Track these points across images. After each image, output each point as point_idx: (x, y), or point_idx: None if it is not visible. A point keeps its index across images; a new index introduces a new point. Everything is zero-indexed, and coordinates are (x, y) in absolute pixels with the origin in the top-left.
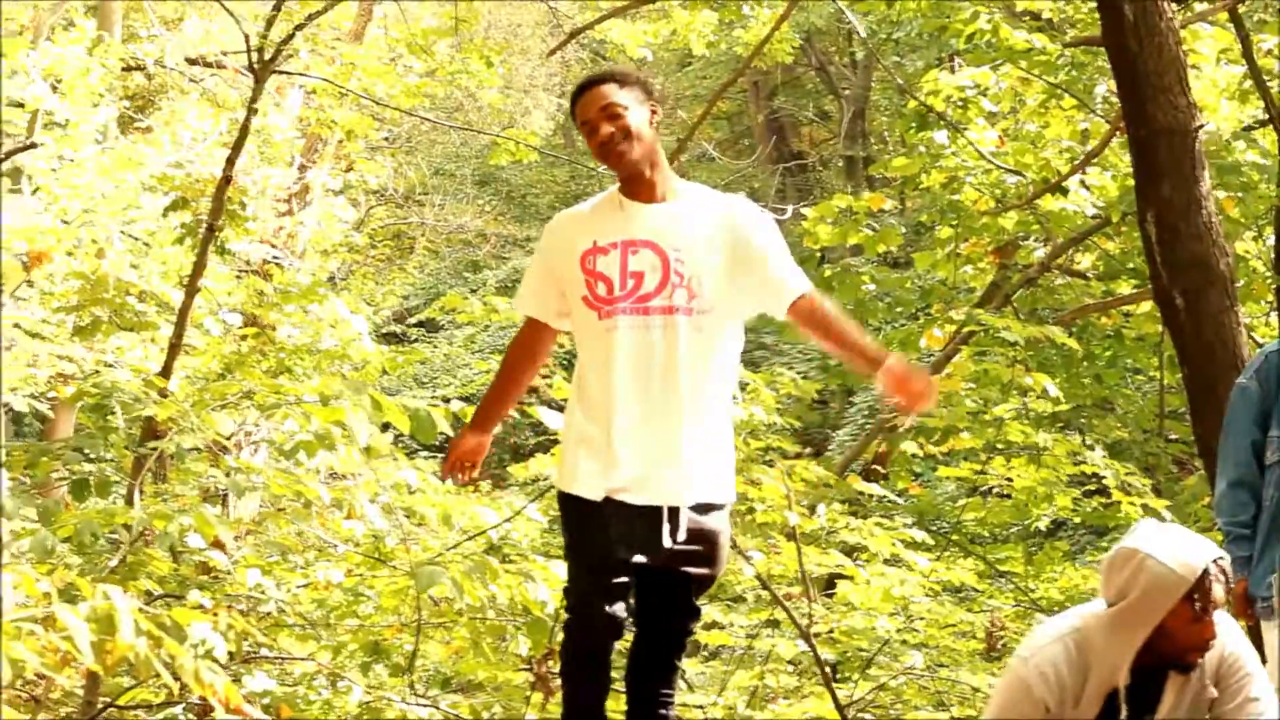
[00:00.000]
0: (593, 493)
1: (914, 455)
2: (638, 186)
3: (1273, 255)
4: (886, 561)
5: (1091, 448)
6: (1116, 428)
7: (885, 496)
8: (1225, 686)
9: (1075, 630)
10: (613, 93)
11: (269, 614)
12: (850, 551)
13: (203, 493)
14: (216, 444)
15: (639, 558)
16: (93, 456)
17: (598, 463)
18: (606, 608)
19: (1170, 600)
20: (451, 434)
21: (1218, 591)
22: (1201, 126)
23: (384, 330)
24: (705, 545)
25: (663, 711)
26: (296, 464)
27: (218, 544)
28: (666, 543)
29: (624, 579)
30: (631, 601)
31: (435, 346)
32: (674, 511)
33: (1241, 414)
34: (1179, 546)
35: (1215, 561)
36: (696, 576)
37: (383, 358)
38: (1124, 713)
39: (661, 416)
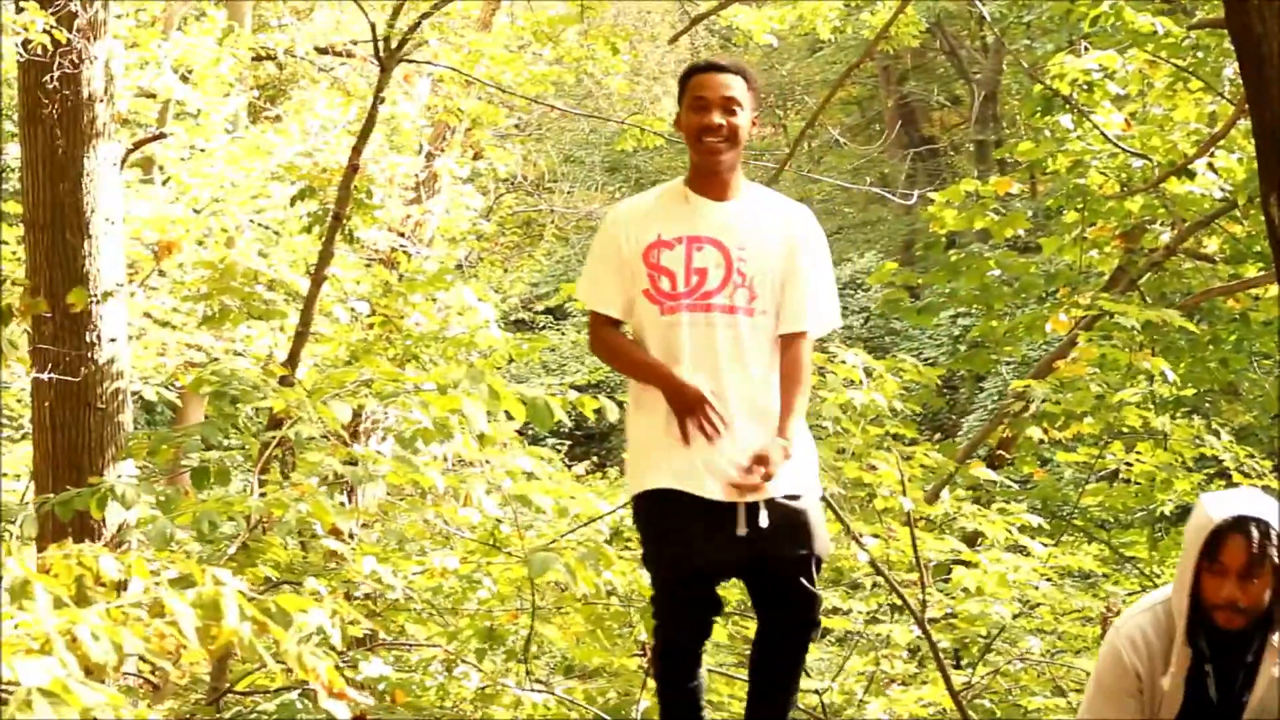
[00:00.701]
0: (673, 486)
1: (1039, 441)
2: (711, 184)
3: None
4: (1006, 549)
5: (1216, 433)
6: (1242, 412)
7: (1000, 482)
8: None
9: (1166, 599)
10: (738, 87)
11: (394, 600)
12: (971, 539)
13: (322, 480)
14: (345, 431)
15: (719, 554)
16: (214, 444)
17: (669, 461)
18: (692, 611)
19: (1194, 549)
20: (568, 421)
21: (1236, 550)
22: None
23: (512, 318)
24: (792, 530)
25: (783, 701)
26: (414, 452)
27: (335, 532)
28: (741, 532)
29: (707, 579)
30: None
31: (563, 334)
32: (750, 506)
33: None
34: (1225, 500)
35: (1249, 520)
36: (792, 561)
37: (509, 345)
38: (1189, 660)
39: (731, 412)
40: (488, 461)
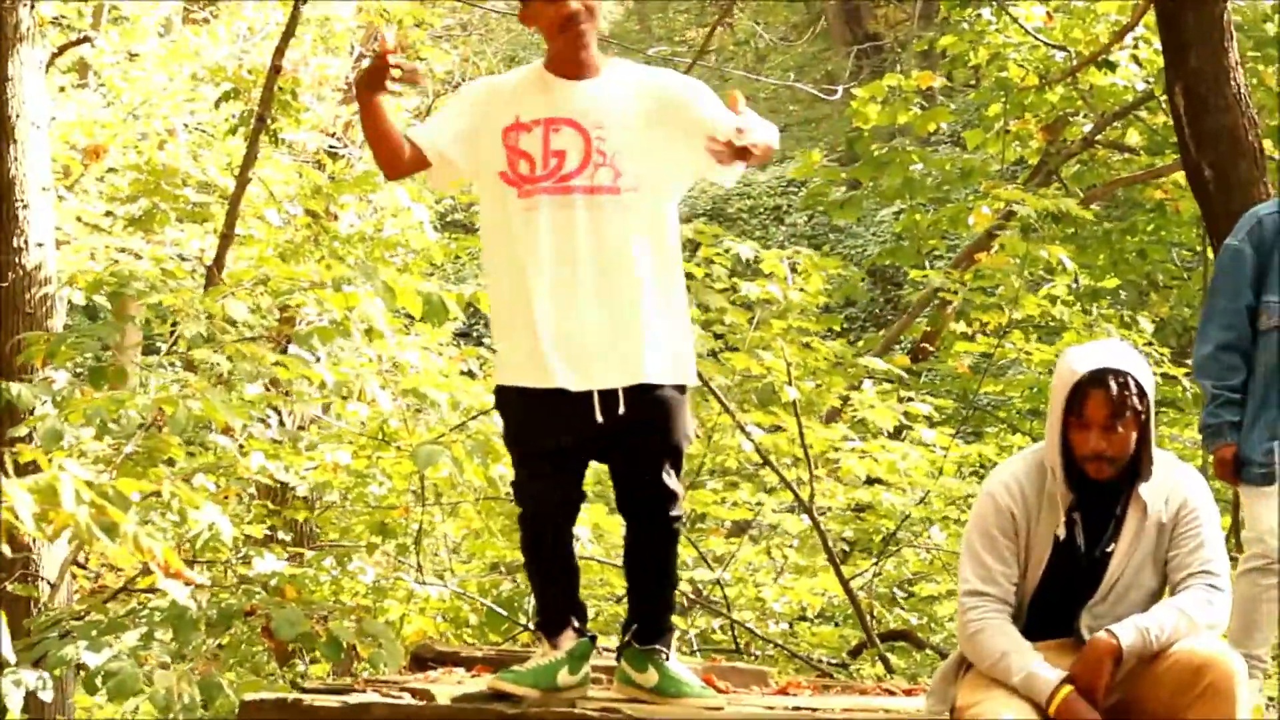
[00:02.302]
0: (524, 381)
1: (962, 334)
2: (571, 65)
3: None
4: (892, 437)
5: (1131, 324)
6: (1161, 303)
7: (889, 371)
8: (1180, 529)
9: (1039, 450)
10: None
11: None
12: (897, 433)
13: (213, 379)
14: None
15: (574, 439)
16: (111, 344)
17: (525, 349)
18: (554, 493)
19: (1059, 400)
20: (463, 316)
21: (1099, 403)
22: None
23: (448, 219)
24: (651, 421)
25: (658, 597)
26: (310, 350)
27: (226, 430)
28: (598, 419)
29: (570, 465)
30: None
31: None
32: (608, 394)
33: (1233, 277)
34: (1086, 354)
35: (1112, 375)
36: (653, 448)
37: (441, 246)
38: (1062, 527)
39: (589, 299)
40: (378, 357)
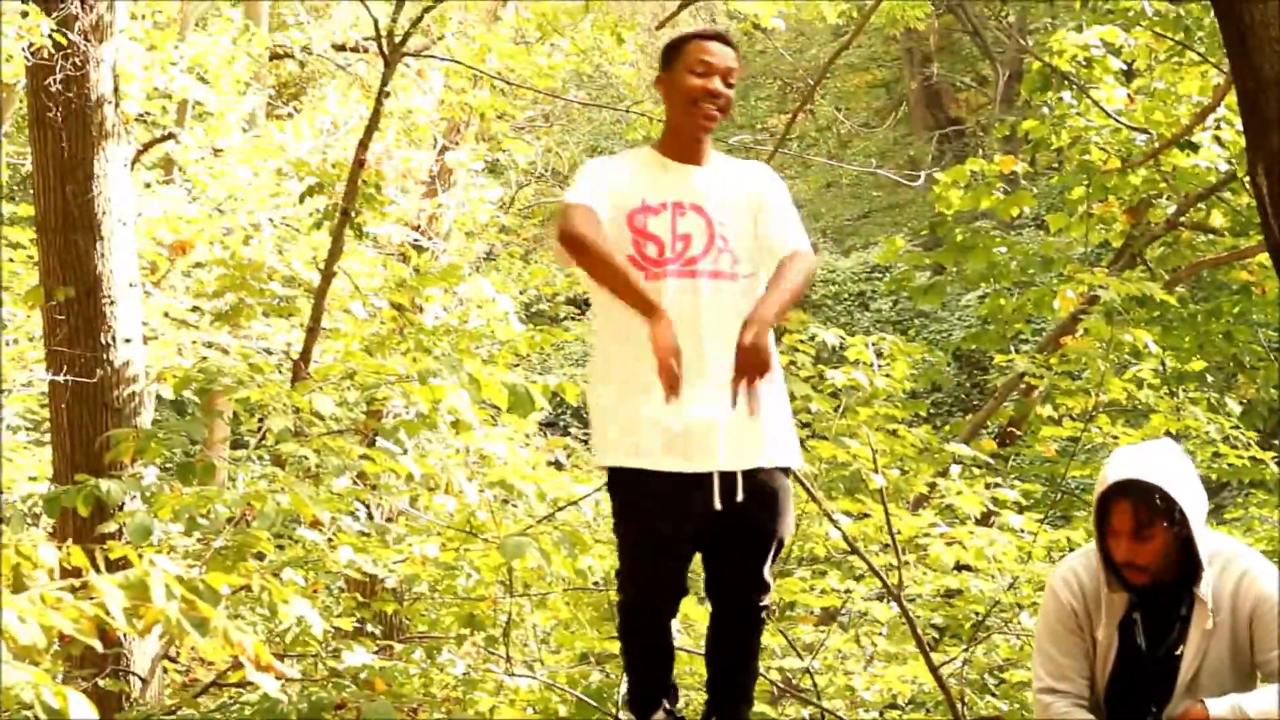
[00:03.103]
0: (643, 464)
1: (1049, 418)
2: (690, 150)
3: None
4: (980, 523)
5: (1218, 406)
6: (1249, 385)
7: (975, 458)
8: (1264, 631)
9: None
10: (735, 62)
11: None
12: (985, 518)
13: (304, 472)
14: (365, 424)
15: (692, 527)
16: (199, 440)
17: (644, 432)
18: (663, 581)
19: (1095, 507)
20: (549, 407)
21: (1122, 514)
22: None
23: (534, 309)
24: (764, 509)
25: (743, 686)
26: (397, 443)
27: (315, 523)
28: (717, 505)
29: (679, 553)
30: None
31: (586, 324)
32: (726, 476)
33: None
34: (1122, 461)
35: (1130, 484)
36: (759, 540)
37: (525, 337)
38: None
39: (711, 381)
40: (463, 449)
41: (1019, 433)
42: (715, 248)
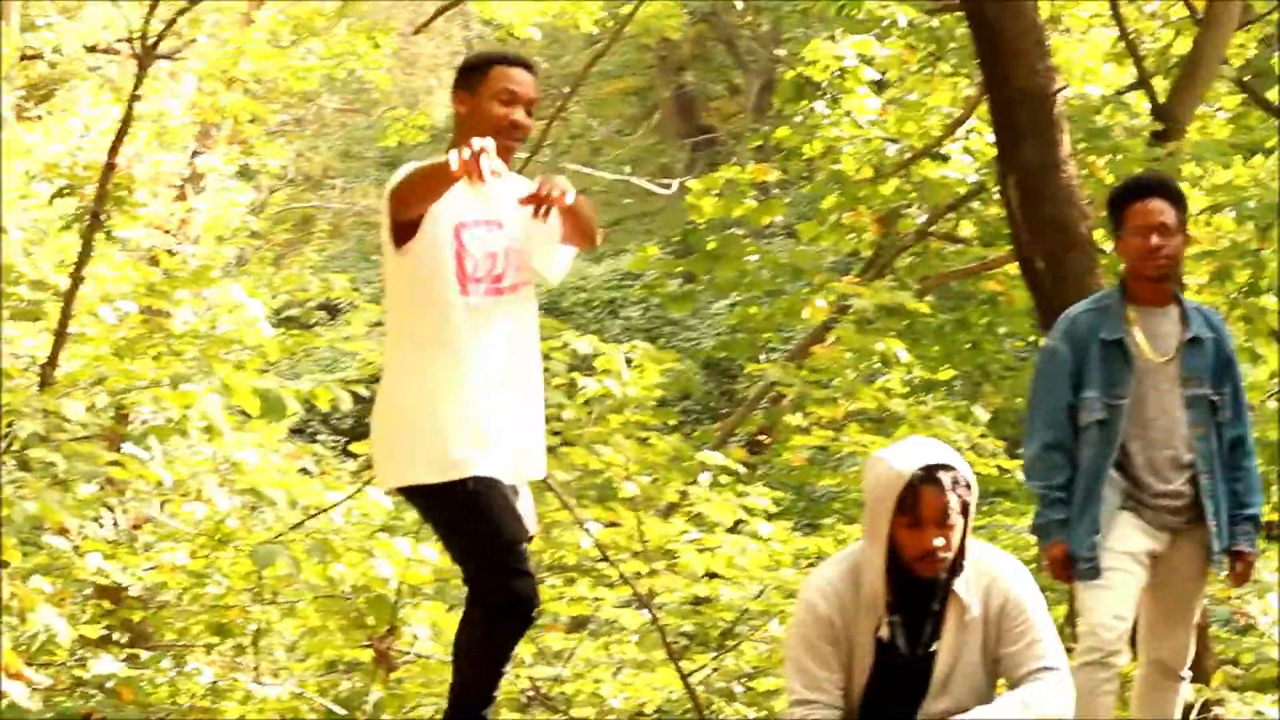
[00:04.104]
0: (480, 472)
1: (798, 427)
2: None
3: None
4: (751, 535)
5: (965, 415)
6: (997, 394)
7: (726, 469)
8: (1009, 625)
9: (856, 549)
10: (536, 90)
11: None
12: (734, 528)
13: (53, 480)
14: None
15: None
16: None
17: (473, 444)
18: (531, 584)
19: (887, 504)
20: (303, 412)
21: (932, 500)
22: (1061, 89)
23: (284, 315)
24: (526, 514)
25: (493, 687)
26: (146, 449)
27: (62, 531)
28: (532, 518)
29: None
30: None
31: (337, 329)
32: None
33: (1051, 376)
34: (907, 450)
35: (942, 470)
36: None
37: (277, 342)
38: (884, 628)
39: (514, 392)
40: (214, 455)
41: (769, 441)
42: (511, 262)
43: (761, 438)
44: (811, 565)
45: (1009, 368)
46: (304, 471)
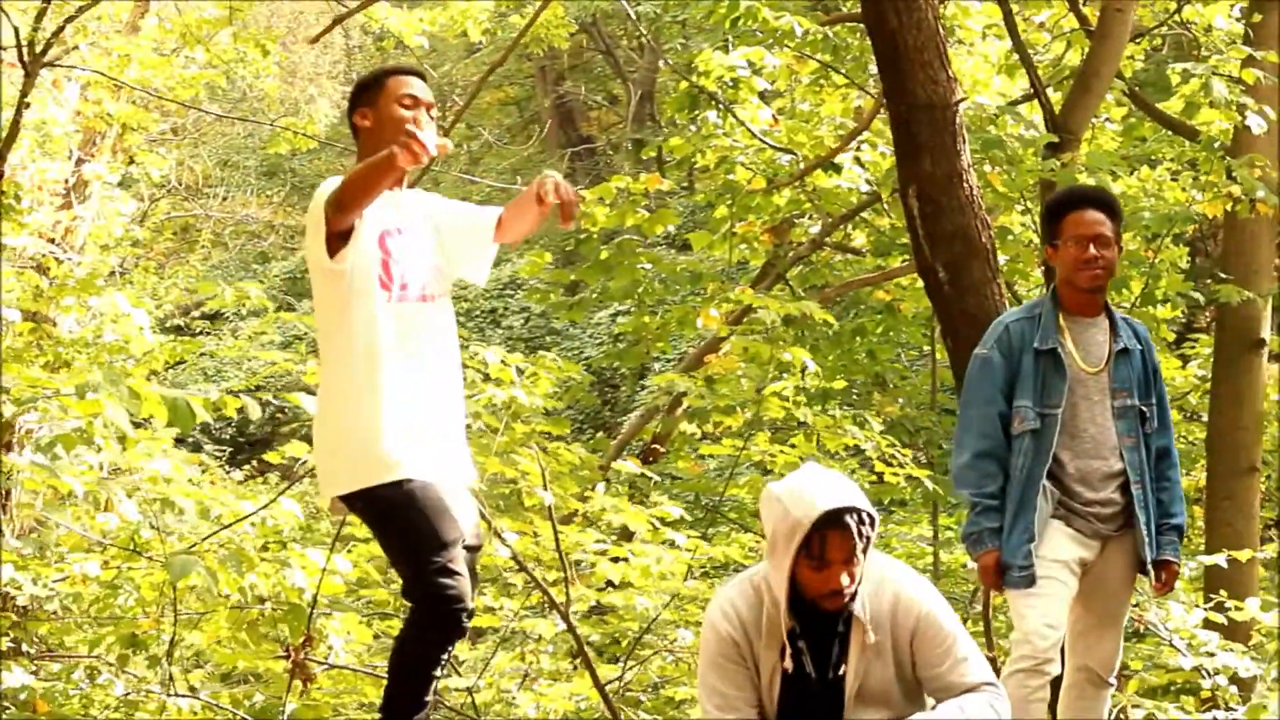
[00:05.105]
0: (414, 474)
1: (692, 435)
2: (400, 176)
3: (1038, 228)
4: (661, 543)
5: (862, 423)
6: (889, 403)
7: (649, 476)
8: (927, 648)
9: (757, 571)
10: (429, 92)
11: (24, 609)
12: (630, 535)
13: None
14: None
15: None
16: None
17: (403, 445)
18: (459, 584)
19: (791, 544)
20: (212, 421)
21: (839, 544)
22: (961, 100)
23: (169, 324)
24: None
25: (426, 698)
26: (53, 458)
27: None
28: (474, 519)
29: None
30: None
31: (220, 339)
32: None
33: (985, 385)
34: (809, 491)
35: (848, 513)
36: (471, 550)
37: (164, 350)
38: (788, 659)
39: (440, 399)
40: (126, 469)
41: (663, 449)
42: (431, 268)
43: (655, 447)
44: (710, 573)
45: (904, 376)
46: (190, 481)
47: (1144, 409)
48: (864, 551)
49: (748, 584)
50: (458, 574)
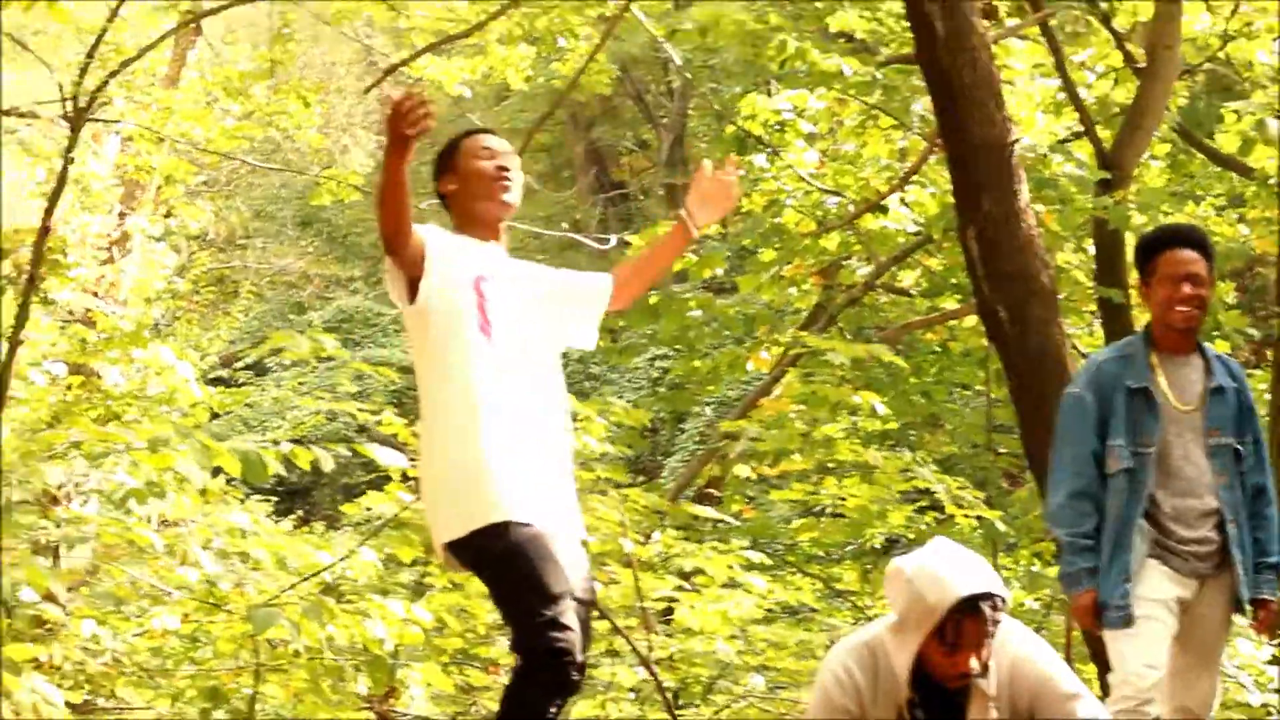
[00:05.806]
0: (523, 518)
1: (747, 479)
2: (494, 230)
3: (1093, 266)
4: (724, 585)
5: (922, 464)
6: (946, 443)
7: (720, 520)
8: (1033, 692)
9: (874, 636)
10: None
11: (106, 664)
12: (687, 577)
13: (33, 545)
14: (46, 495)
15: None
16: None
17: (508, 489)
18: (569, 639)
19: (922, 629)
20: (284, 473)
21: (973, 631)
22: (1018, 140)
23: (211, 375)
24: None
25: None
26: (127, 512)
27: (50, 596)
28: (586, 572)
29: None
30: None
31: (263, 390)
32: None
33: (1078, 424)
34: (944, 575)
35: (980, 599)
36: (588, 606)
37: (211, 401)
38: None
39: (546, 446)
40: (203, 518)
41: (718, 494)
42: (533, 319)
43: (710, 491)
44: (779, 616)
45: (957, 414)
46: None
47: (1239, 447)
48: (993, 635)
49: (864, 648)
50: (567, 627)
